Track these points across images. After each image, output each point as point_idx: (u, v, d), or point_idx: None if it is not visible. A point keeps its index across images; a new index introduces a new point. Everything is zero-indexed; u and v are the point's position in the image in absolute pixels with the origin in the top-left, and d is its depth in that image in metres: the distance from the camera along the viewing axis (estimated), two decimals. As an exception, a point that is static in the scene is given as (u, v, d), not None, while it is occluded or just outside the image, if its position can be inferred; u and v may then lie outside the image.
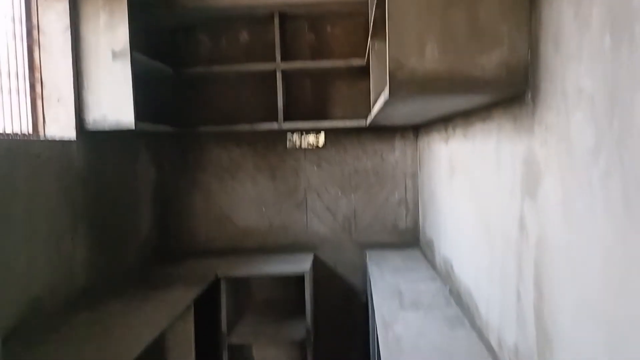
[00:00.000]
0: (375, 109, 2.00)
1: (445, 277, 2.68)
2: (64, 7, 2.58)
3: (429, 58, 1.35)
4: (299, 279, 3.52)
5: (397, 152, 3.74)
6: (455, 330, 2.08)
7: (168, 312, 2.42)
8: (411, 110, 1.97)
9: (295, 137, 3.72)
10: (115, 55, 2.64)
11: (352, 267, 3.76)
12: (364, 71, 3.41)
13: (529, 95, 1.36)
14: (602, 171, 0.97)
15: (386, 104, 1.55)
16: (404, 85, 1.36)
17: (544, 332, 1.28)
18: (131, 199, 3.28)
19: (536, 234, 1.32)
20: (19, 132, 2.40)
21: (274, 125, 3.40)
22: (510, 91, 1.39)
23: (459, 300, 2.34)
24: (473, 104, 1.70)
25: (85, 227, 2.66)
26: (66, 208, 2.50)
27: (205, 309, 3.17)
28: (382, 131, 3.72)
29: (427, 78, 1.35)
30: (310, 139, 3.72)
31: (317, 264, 3.74)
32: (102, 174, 2.89)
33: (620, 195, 0.91)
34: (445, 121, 2.57)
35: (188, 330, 2.71)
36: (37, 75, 2.58)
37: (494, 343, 1.76)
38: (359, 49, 3.54)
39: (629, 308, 0.88)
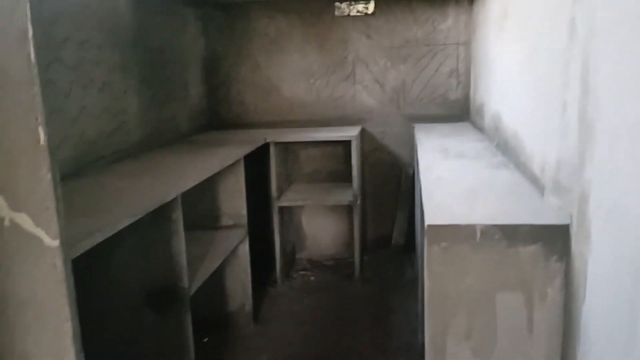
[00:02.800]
0: None
1: (493, 133, 2.64)
2: None
3: None
4: (347, 152, 3.56)
5: (450, 20, 3.59)
6: (498, 170, 2.06)
7: (219, 162, 2.52)
8: None
9: (344, 5, 3.61)
10: None
11: (400, 139, 3.75)
12: None
13: None
14: None
15: None
16: None
17: (587, 127, 1.25)
18: (181, 66, 3.34)
19: (585, 29, 1.26)
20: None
21: (320, -11, 3.30)
22: None
23: (505, 151, 2.31)
24: None
25: (136, 84, 2.74)
26: (117, 61, 2.57)
27: (256, 182, 3.29)
28: (435, -3, 3.55)
29: None
30: (359, 6, 3.60)
31: (365, 136, 3.76)
32: (152, 36, 2.93)
33: None
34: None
35: (239, 184, 2.82)
36: None
37: (537, 171, 1.74)
38: None
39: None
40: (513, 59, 2.13)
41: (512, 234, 1.42)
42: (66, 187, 2.05)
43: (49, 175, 1.10)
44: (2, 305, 1.13)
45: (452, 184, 1.90)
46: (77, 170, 2.24)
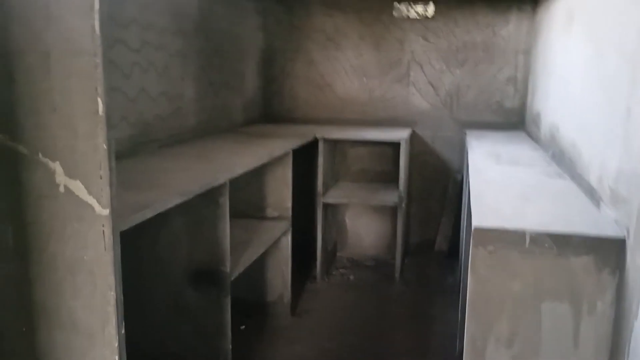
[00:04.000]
0: None
1: (549, 143, 2.56)
2: None
3: None
4: (395, 153, 3.52)
5: (511, 26, 3.50)
6: (552, 179, 2.00)
7: (269, 153, 2.54)
8: None
9: (403, 5, 3.58)
10: None
11: (450, 144, 3.69)
12: None
13: None
14: None
15: None
16: None
17: (652, 135, 1.19)
18: (238, 58, 3.39)
19: (658, 31, 1.20)
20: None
21: (380, -12, 3.29)
22: None
23: (561, 161, 2.23)
24: None
25: (194, 71, 2.80)
26: (178, 47, 2.63)
27: (302, 178, 3.29)
28: (497, 2, 3.47)
29: None
30: (419, 8, 3.56)
31: (415, 138, 3.71)
32: (213, 26, 2.99)
33: None
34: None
35: (286, 177, 2.84)
36: None
37: (593, 181, 1.67)
38: None
39: None
40: (577, 64, 2.06)
41: (563, 243, 1.37)
42: (120, 165, 2.12)
43: (104, 146, 1.13)
44: (53, 267, 1.18)
45: (503, 188, 1.85)
46: (131, 151, 2.31)
